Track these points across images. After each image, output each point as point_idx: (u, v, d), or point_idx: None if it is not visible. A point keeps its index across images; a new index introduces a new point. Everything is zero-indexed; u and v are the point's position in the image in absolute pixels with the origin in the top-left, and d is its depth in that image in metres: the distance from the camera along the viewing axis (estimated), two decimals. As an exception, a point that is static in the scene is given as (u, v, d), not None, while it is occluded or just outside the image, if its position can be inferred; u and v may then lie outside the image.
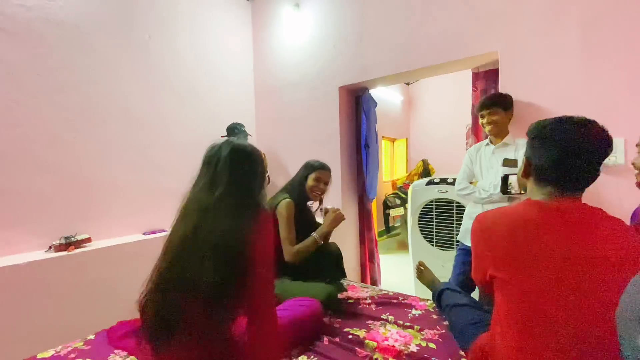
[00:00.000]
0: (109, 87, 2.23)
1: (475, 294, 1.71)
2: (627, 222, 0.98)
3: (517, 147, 1.70)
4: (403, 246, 4.58)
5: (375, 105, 2.95)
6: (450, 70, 2.44)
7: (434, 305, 1.50)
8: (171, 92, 2.62)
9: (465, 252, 1.85)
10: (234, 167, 0.96)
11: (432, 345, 1.18)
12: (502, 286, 0.81)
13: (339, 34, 2.72)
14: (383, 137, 5.14)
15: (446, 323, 1.32)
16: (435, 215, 2.52)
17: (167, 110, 2.59)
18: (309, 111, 2.97)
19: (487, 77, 2.25)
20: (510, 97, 1.79)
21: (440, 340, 1.22)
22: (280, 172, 3.16)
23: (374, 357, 1.12)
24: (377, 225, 3.70)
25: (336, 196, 2.77)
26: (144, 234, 2.35)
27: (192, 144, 2.65)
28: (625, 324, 0.47)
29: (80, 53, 2.09)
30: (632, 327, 0.45)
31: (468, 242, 1.84)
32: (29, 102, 1.88)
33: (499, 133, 1.77)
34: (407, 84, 5.73)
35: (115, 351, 1.21)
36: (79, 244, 1.94)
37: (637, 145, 1.15)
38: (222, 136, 2.76)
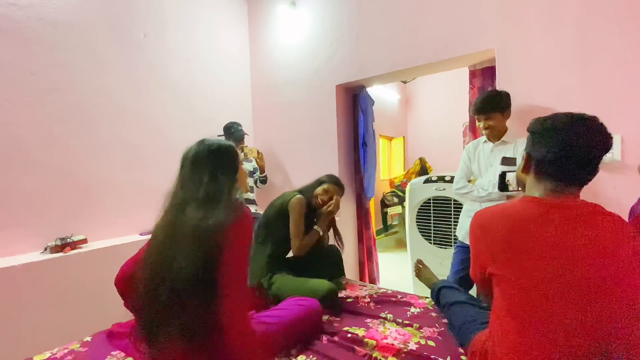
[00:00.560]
0: (104, 87, 2.20)
1: (473, 291, 1.72)
2: (625, 218, 0.98)
3: (517, 146, 1.68)
4: (401, 244, 4.59)
5: (373, 104, 2.95)
6: (447, 68, 2.43)
7: (433, 303, 1.50)
8: (167, 91, 2.60)
9: (463, 250, 1.85)
10: (205, 164, 1.04)
11: (431, 342, 1.18)
12: (501, 283, 0.81)
13: (336, 32, 2.71)
14: (380, 135, 5.14)
15: (445, 321, 1.32)
16: (433, 213, 2.52)
17: (163, 109, 2.57)
18: (306, 110, 2.96)
19: (484, 74, 2.26)
20: (507, 95, 1.73)
21: (439, 337, 1.22)
22: (277, 171, 3.15)
23: (373, 355, 1.12)
24: (375, 223, 3.71)
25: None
26: (141, 234, 2.33)
27: (189, 144, 2.61)
28: None
29: (74, 52, 2.06)
30: None
31: (466, 240, 1.85)
32: (22, 101, 1.85)
33: (497, 135, 1.75)
34: (404, 82, 5.73)
35: (113, 352, 1.20)
36: (74, 245, 1.92)
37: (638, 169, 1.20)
38: (218, 135, 2.74)
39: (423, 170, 4.77)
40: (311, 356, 1.14)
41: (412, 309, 1.47)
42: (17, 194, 1.83)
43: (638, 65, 1.59)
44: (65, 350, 1.22)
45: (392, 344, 1.16)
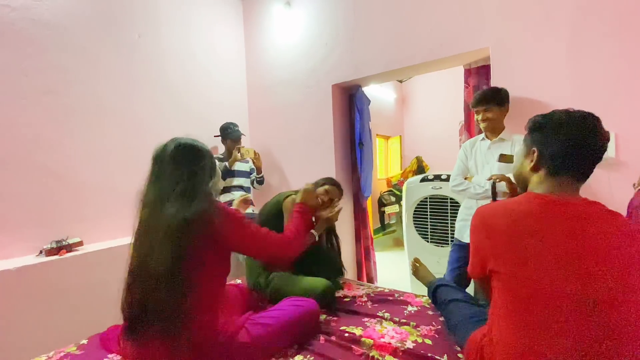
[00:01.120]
0: (98, 88, 2.19)
1: (470, 290, 1.72)
2: (624, 214, 0.99)
3: (514, 143, 1.69)
4: (398, 243, 4.60)
5: (369, 103, 2.95)
6: (442, 67, 2.44)
7: (430, 301, 1.51)
8: (162, 92, 2.58)
9: (459, 248, 1.86)
10: (177, 161, 1.06)
11: (428, 341, 1.18)
12: (502, 280, 0.80)
13: (331, 32, 2.71)
14: (377, 134, 5.14)
15: (442, 319, 1.33)
16: (430, 211, 2.53)
17: (159, 110, 2.56)
18: (302, 110, 2.95)
19: (479, 73, 2.26)
20: (506, 91, 1.75)
21: (436, 336, 1.22)
22: (274, 171, 3.15)
23: (371, 354, 1.12)
24: (372, 222, 3.71)
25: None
26: (138, 236, 2.32)
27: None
28: None
29: (69, 53, 2.05)
30: None
31: (463, 238, 1.86)
32: (16, 103, 1.84)
33: (495, 129, 1.76)
34: (401, 81, 5.75)
35: (109, 355, 1.19)
36: (70, 247, 1.91)
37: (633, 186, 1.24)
38: (215, 136, 2.74)
39: (420, 169, 4.78)
40: (308, 356, 1.14)
41: (409, 308, 1.47)
42: (12, 196, 1.81)
43: (631, 63, 1.60)
44: (62, 354, 1.21)
45: (389, 343, 1.16)
